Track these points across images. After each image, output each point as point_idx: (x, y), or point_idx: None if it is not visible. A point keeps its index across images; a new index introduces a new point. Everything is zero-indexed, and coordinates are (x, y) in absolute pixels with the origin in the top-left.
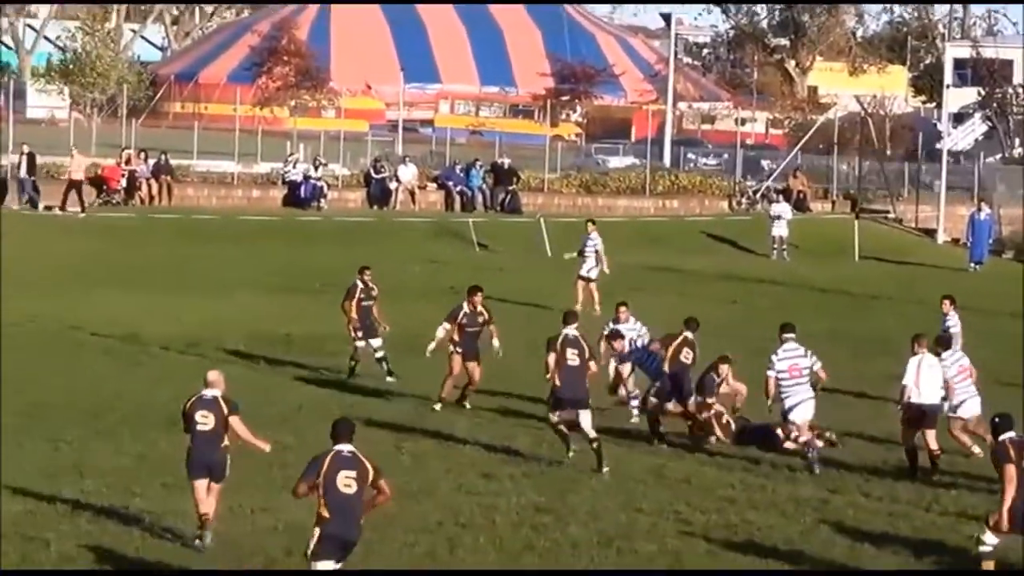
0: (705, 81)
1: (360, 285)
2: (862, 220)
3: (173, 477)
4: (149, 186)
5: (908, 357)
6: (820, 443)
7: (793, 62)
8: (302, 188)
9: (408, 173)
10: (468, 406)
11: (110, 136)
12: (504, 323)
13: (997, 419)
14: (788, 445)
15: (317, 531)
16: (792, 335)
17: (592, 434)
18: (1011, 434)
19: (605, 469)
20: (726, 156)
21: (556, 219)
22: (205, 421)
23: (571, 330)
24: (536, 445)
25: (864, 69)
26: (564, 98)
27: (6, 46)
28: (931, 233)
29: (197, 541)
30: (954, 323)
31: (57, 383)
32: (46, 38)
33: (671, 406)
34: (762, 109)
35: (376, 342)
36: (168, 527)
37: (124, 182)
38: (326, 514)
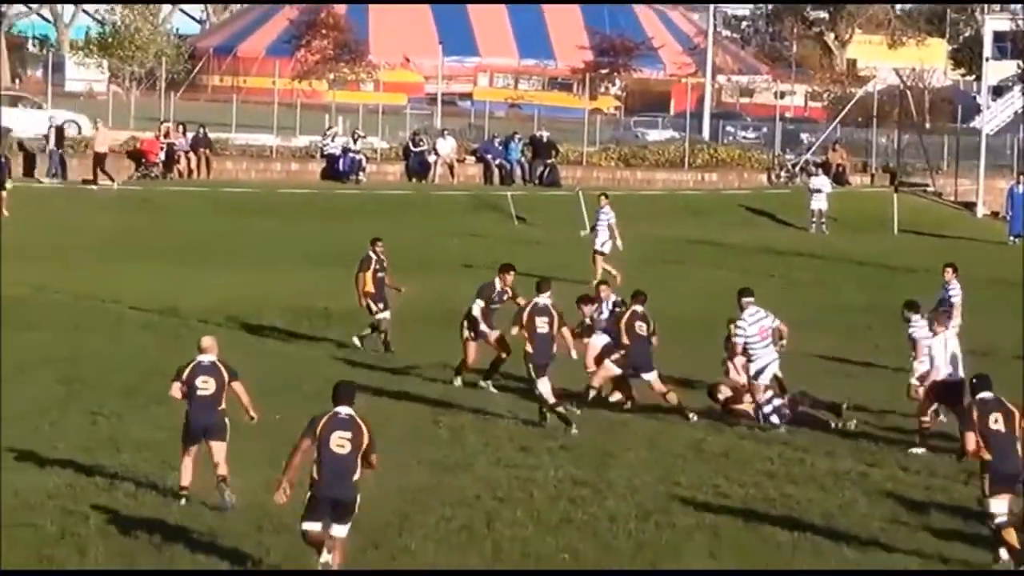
0: (744, 54)
1: (374, 256)
2: (901, 193)
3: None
4: (188, 159)
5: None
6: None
7: (832, 35)
8: (341, 161)
9: (447, 146)
10: (488, 386)
11: (148, 109)
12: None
13: (975, 379)
14: (748, 407)
15: (309, 492)
16: (751, 299)
17: (551, 399)
18: (985, 394)
19: (575, 431)
20: (765, 129)
21: (595, 192)
22: (205, 386)
23: (543, 299)
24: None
25: (903, 42)
26: (603, 71)
27: (45, 19)
28: (970, 206)
29: (229, 499)
30: (955, 292)
31: (95, 357)
32: (85, 11)
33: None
34: (801, 82)
35: (387, 314)
36: (205, 500)
37: (162, 155)
38: (317, 475)
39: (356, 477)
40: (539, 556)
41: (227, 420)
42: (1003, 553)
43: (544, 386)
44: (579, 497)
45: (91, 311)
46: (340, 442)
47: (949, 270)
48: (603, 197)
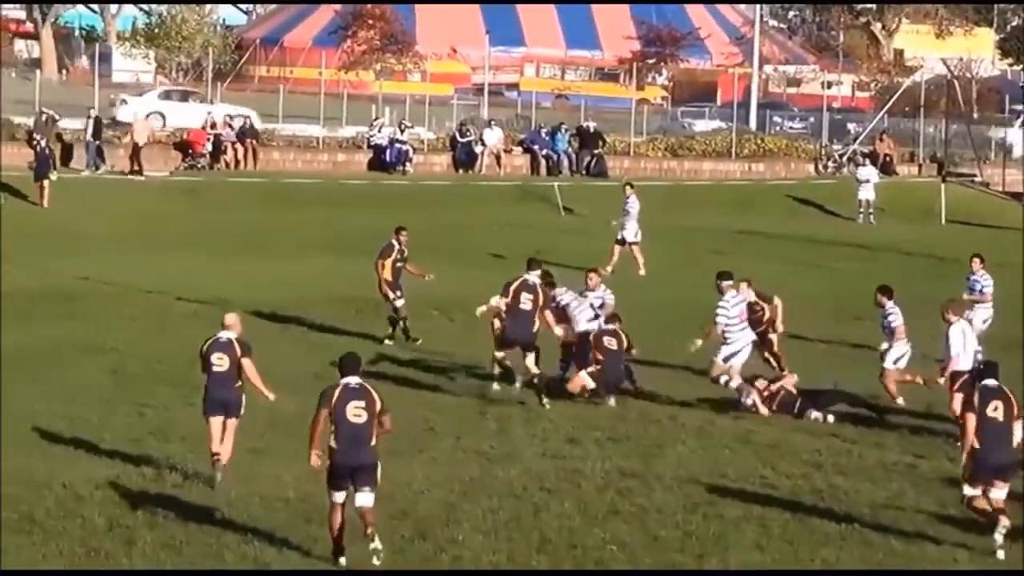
0: (791, 44)
1: (396, 245)
2: (948, 183)
3: (257, 441)
4: (235, 150)
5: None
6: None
7: (879, 24)
8: (387, 152)
9: (494, 137)
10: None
11: None
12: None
13: (982, 366)
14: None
15: (329, 463)
16: (730, 281)
17: (534, 370)
18: (990, 382)
19: (546, 403)
20: (812, 119)
21: (642, 183)
22: (220, 362)
23: (531, 276)
24: (621, 410)
25: (950, 31)
26: (650, 61)
27: (92, 10)
28: (1018, 196)
29: (218, 476)
30: (987, 283)
31: (142, 348)
32: (131, 1)
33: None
34: (848, 72)
35: (403, 301)
36: (254, 491)
37: (209, 146)
38: (335, 444)
39: (373, 443)
40: (586, 547)
41: (243, 398)
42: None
43: (530, 359)
44: (626, 489)
45: (138, 302)
46: (356, 411)
47: (976, 260)
48: (628, 187)
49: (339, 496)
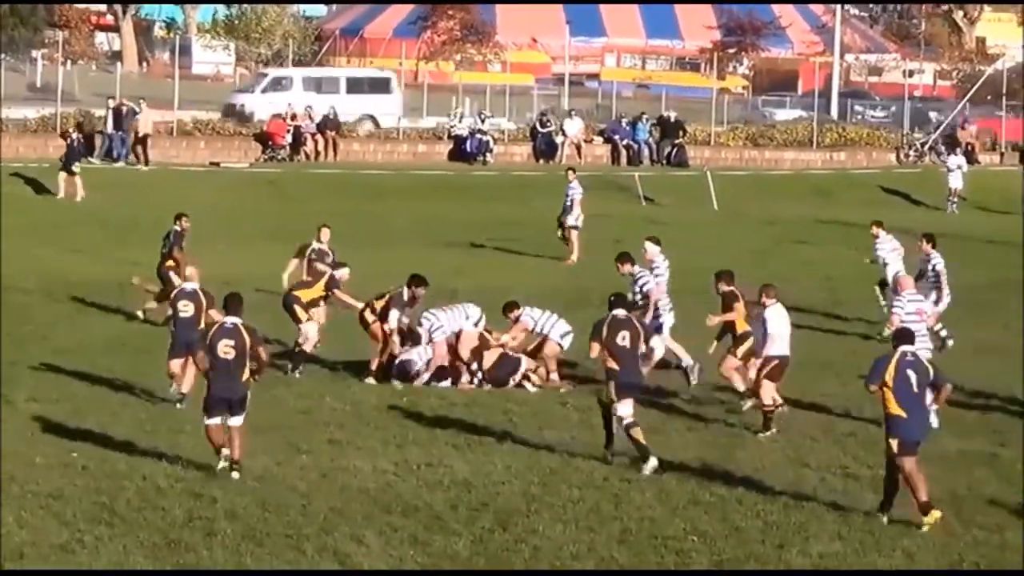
0: (872, 32)
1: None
2: None
3: (340, 432)
4: (315, 141)
5: None
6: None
7: (961, 12)
8: (468, 142)
9: (574, 127)
10: None
11: None
12: (671, 277)
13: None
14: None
15: (206, 392)
16: (659, 246)
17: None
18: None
19: None
20: (894, 108)
21: (723, 172)
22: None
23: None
24: (702, 400)
25: None
26: (731, 51)
27: (173, 1)
28: None
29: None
30: (938, 263)
31: None
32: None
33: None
34: (930, 60)
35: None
36: (336, 482)
37: (289, 138)
38: (211, 378)
39: (245, 377)
40: (666, 538)
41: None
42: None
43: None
44: (707, 478)
45: (218, 293)
46: (226, 349)
47: (926, 242)
48: (570, 172)
49: (214, 420)
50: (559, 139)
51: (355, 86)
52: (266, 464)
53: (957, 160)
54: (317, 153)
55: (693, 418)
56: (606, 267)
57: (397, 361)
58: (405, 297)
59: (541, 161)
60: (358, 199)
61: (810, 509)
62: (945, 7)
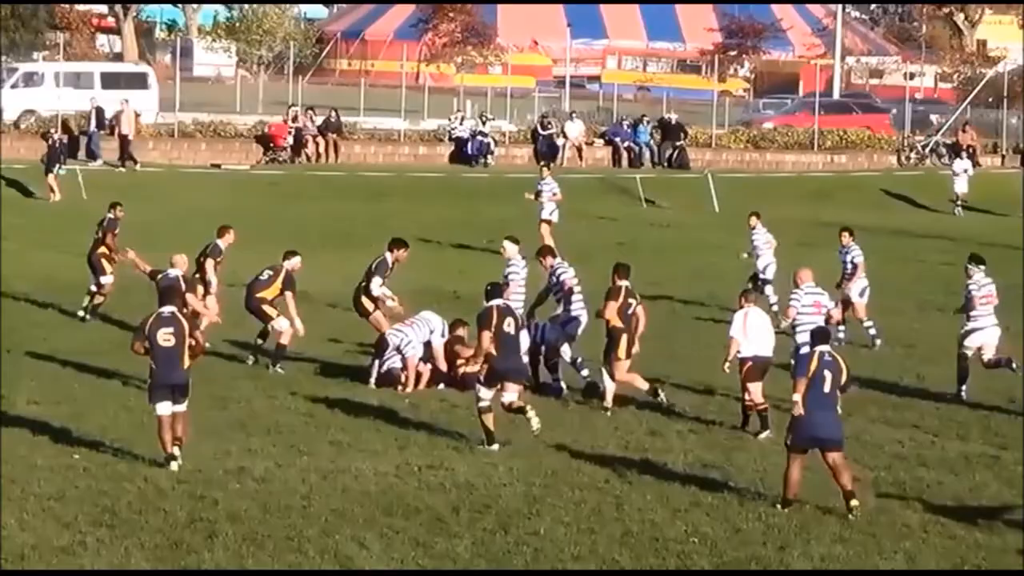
0: (873, 35)
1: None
2: None
3: (341, 434)
4: (316, 144)
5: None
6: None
7: (962, 15)
8: (469, 145)
9: (575, 129)
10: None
11: (276, 94)
12: (672, 280)
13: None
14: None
15: (149, 381)
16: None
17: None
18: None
19: None
20: (894, 111)
21: (724, 175)
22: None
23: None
24: (702, 403)
25: None
26: (732, 53)
27: (173, 4)
28: None
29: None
30: (857, 254)
31: (224, 340)
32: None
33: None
34: (931, 63)
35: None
36: (336, 484)
37: (290, 140)
38: (153, 365)
39: (186, 364)
40: (668, 540)
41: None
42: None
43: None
44: (708, 481)
45: (221, 295)
46: (166, 336)
47: (846, 234)
48: (544, 168)
49: (161, 407)
50: (560, 141)
51: (111, 81)
52: (267, 466)
53: (963, 164)
54: (318, 155)
55: (694, 420)
56: (607, 269)
57: (383, 370)
58: (389, 261)
59: (542, 163)
60: (359, 201)
61: (811, 511)
62: (946, 9)
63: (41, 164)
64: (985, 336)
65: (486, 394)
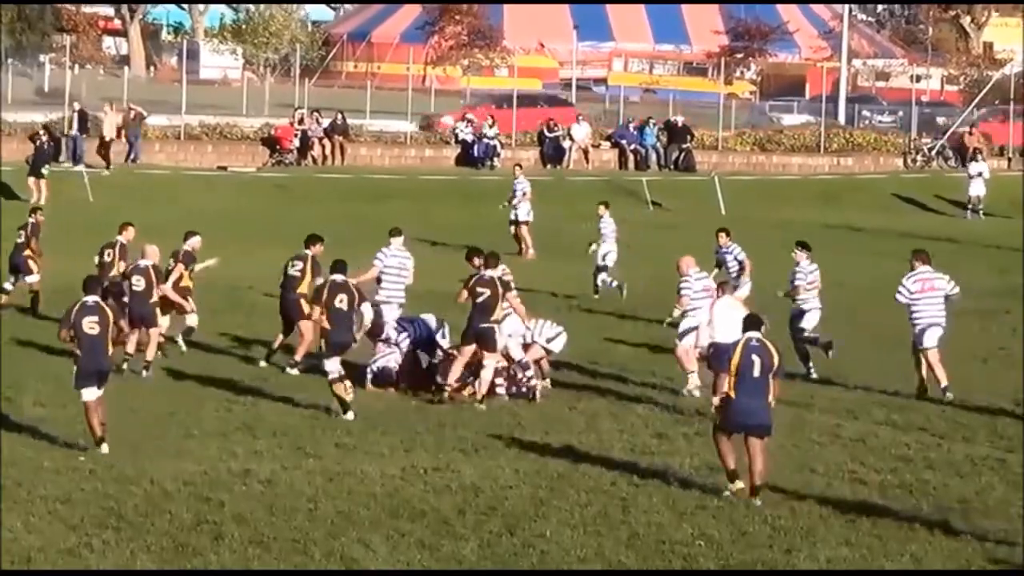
0: (880, 37)
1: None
2: None
3: (347, 436)
4: (322, 146)
5: None
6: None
7: (968, 18)
8: (475, 147)
9: (581, 132)
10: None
11: (282, 96)
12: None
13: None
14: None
15: (75, 368)
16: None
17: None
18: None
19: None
20: (901, 113)
21: (730, 177)
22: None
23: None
24: (708, 406)
25: None
26: (738, 55)
27: (179, 6)
28: None
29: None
30: (737, 253)
31: (229, 342)
32: (224, 1)
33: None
34: (937, 65)
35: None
36: (343, 486)
37: (297, 142)
38: (79, 352)
39: (110, 351)
40: (674, 542)
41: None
42: None
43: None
44: (714, 484)
45: (227, 297)
46: (91, 325)
47: (723, 234)
48: (517, 167)
49: (87, 393)
50: (566, 144)
51: None
52: (273, 468)
53: (978, 167)
54: (325, 157)
55: (699, 422)
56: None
57: (378, 368)
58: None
59: (548, 166)
60: (365, 203)
61: (817, 514)
62: (952, 12)
63: (26, 164)
64: (815, 317)
65: (332, 365)
